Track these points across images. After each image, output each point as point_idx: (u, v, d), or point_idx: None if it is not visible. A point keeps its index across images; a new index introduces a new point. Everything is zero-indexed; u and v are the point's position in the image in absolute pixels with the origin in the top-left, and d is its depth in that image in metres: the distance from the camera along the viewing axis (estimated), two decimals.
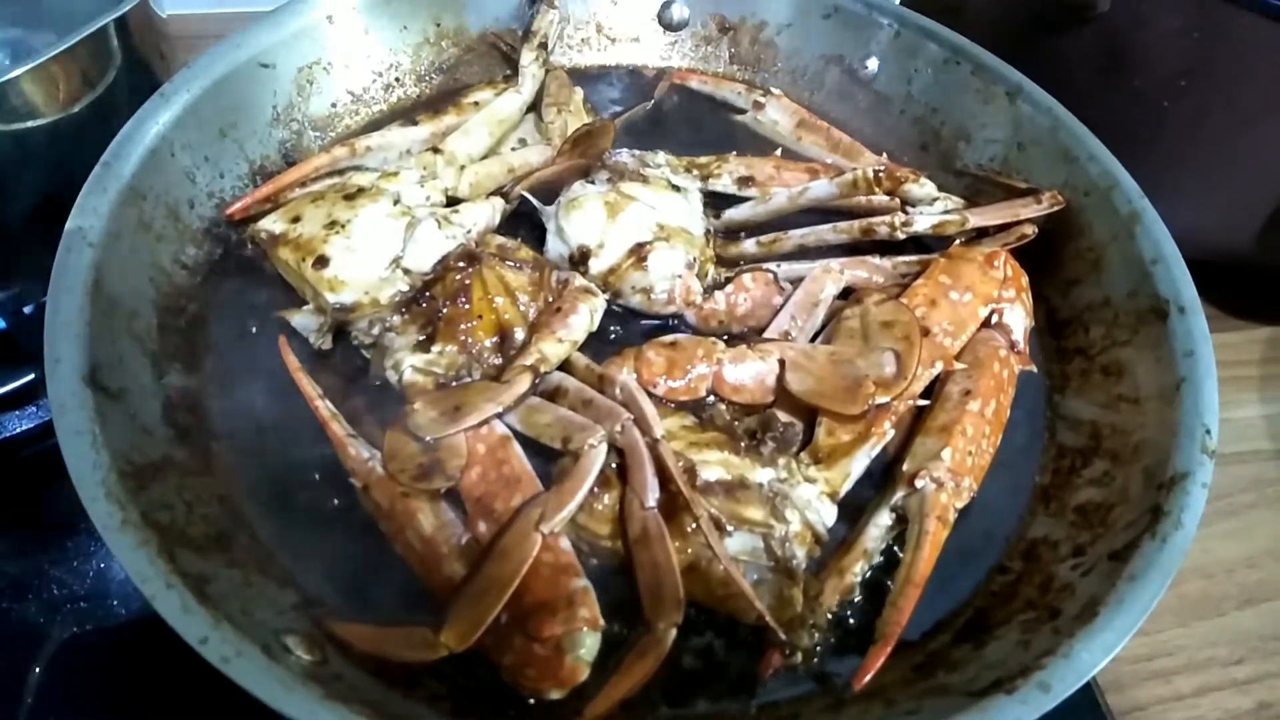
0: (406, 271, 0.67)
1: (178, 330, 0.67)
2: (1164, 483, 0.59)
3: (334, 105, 0.84)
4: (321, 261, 0.66)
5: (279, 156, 0.80)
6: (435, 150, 0.76)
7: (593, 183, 0.74)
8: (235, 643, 0.47)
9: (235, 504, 0.60)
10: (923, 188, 0.74)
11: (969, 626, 0.59)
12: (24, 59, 0.67)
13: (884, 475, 0.65)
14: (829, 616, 0.58)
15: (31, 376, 0.79)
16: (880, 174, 0.71)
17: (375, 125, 0.85)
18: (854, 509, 0.63)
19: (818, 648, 0.57)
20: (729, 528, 0.57)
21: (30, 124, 0.69)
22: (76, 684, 0.68)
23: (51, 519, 0.77)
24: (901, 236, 0.74)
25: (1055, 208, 0.77)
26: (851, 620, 0.59)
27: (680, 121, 0.91)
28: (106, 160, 0.67)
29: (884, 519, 0.62)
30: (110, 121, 0.70)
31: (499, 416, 0.61)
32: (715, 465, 0.59)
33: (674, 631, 0.51)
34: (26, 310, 0.77)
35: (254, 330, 0.69)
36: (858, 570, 0.60)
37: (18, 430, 0.79)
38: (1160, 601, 0.83)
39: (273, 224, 0.70)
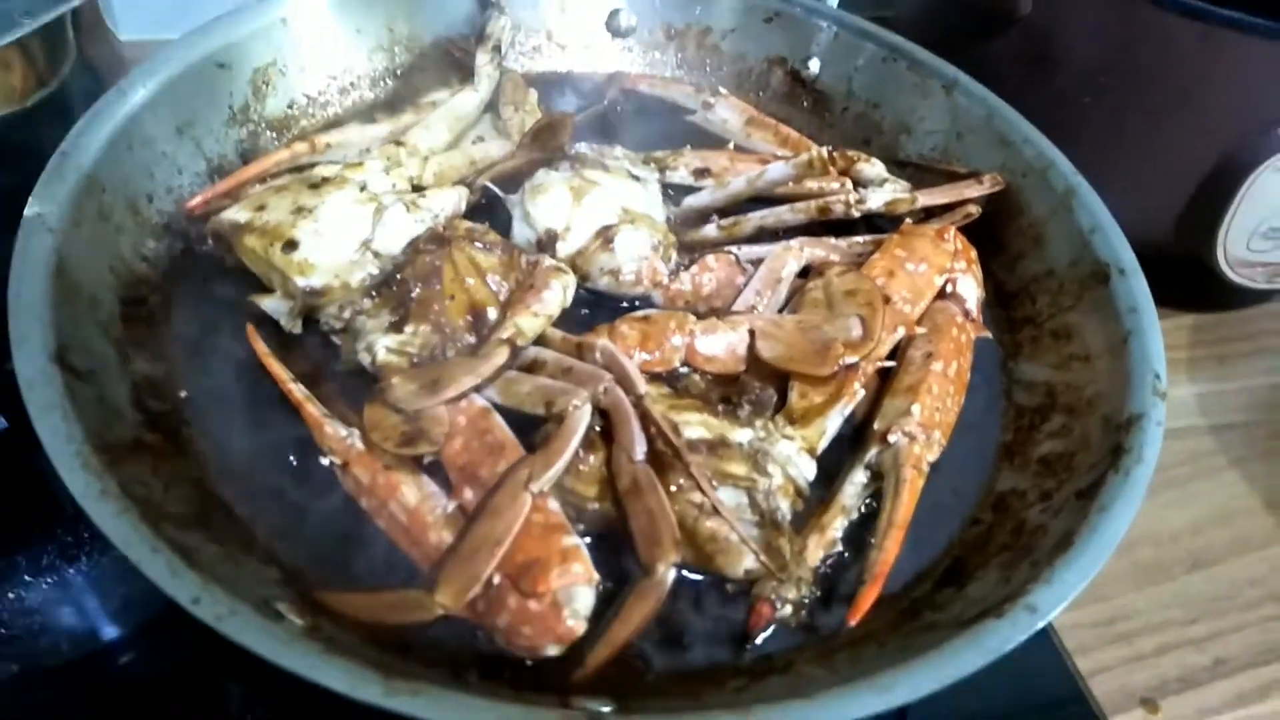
0: (376, 254, 0.67)
1: (141, 319, 0.66)
2: (1121, 424, 0.62)
3: (290, 107, 0.84)
4: (290, 245, 0.66)
5: (236, 155, 0.79)
6: (397, 143, 0.77)
7: (556, 170, 0.76)
8: (228, 602, 0.45)
9: (210, 486, 0.59)
10: (873, 167, 0.77)
11: (948, 573, 0.61)
12: None
13: (854, 439, 0.67)
14: (813, 571, 0.59)
15: None
16: (834, 154, 0.74)
17: (331, 127, 0.84)
18: (828, 476, 0.65)
19: (805, 600, 0.57)
20: (713, 484, 0.57)
21: None
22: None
23: None
24: (856, 214, 0.77)
25: (996, 188, 0.81)
26: (835, 575, 0.60)
27: (633, 123, 0.93)
28: (65, 150, 0.66)
29: (859, 476, 0.64)
30: (60, 121, 0.69)
31: (478, 389, 0.61)
32: (696, 425, 0.60)
33: (673, 572, 0.52)
34: None
35: (219, 320, 0.68)
36: (837, 526, 0.61)
37: None
38: (1115, 568, 0.86)
39: (237, 214, 0.69)
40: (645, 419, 0.57)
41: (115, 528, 0.47)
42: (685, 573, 0.58)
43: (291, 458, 0.61)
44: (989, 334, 0.74)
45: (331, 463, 0.60)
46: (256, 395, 0.64)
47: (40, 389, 0.52)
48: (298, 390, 0.63)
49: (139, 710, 0.66)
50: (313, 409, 0.61)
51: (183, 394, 0.64)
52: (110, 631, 0.70)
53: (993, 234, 0.82)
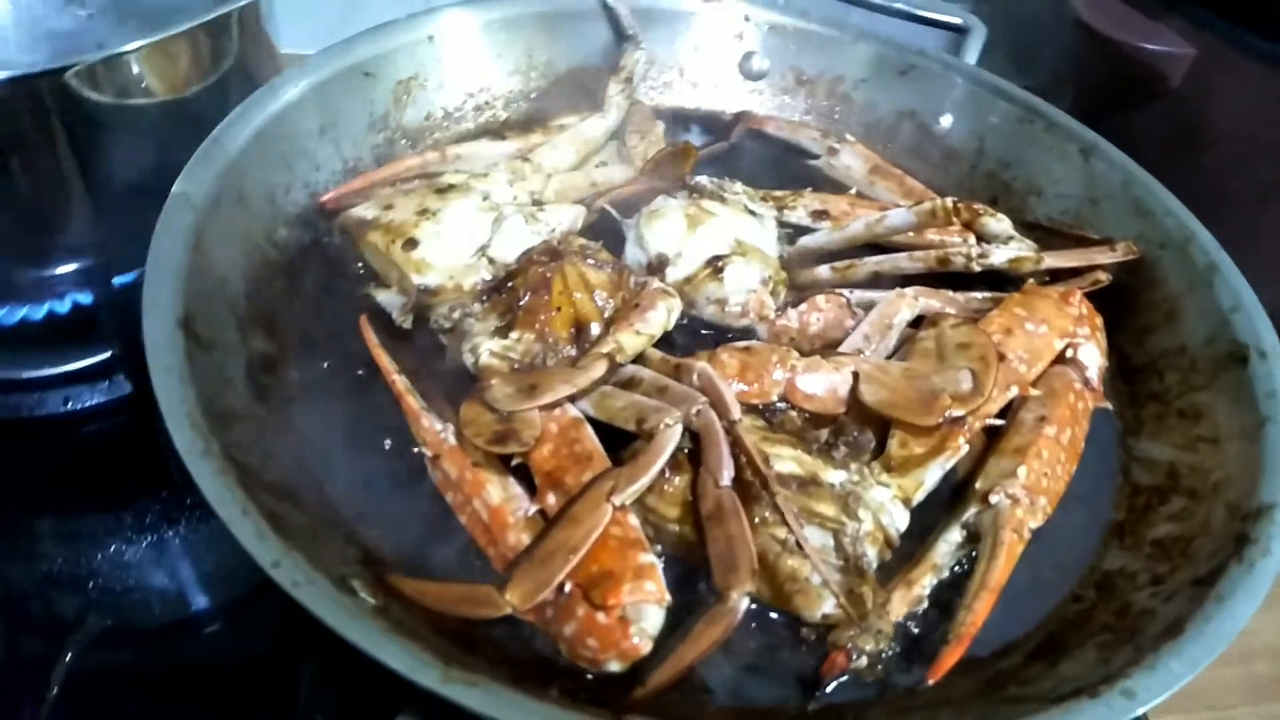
0: (491, 261, 0.69)
1: (265, 300, 0.69)
2: (1249, 514, 0.58)
3: (427, 118, 0.88)
4: (410, 244, 0.68)
5: (372, 159, 0.83)
6: (524, 159, 0.79)
7: (674, 197, 0.76)
8: (306, 570, 0.46)
9: (307, 463, 0.60)
10: (999, 223, 0.75)
11: (1041, 648, 0.57)
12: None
13: (953, 497, 0.64)
14: (894, 626, 0.56)
15: (108, 354, 0.81)
16: (959, 205, 0.72)
17: (463, 141, 0.87)
18: (922, 532, 0.62)
19: (883, 654, 0.55)
20: (800, 521, 0.56)
21: (141, 101, 0.73)
22: (104, 678, 0.68)
23: (105, 504, 0.78)
24: (977, 268, 0.74)
25: (1130, 257, 0.78)
26: (917, 631, 0.57)
27: (755, 162, 0.93)
28: (215, 137, 0.70)
29: (955, 535, 0.61)
30: (214, 113, 0.73)
31: (573, 399, 0.62)
32: (788, 460, 0.59)
33: (746, 600, 0.50)
34: (116, 282, 0.79)
35: (336, 310, 0.71)
36: (926, 583, 0.58)
37: (89, 404, 0.81)
38: (1230, 677, 0.80)
39: (365, 211, 0.72)
40: (736, 445, 0.56)
41: (211, 486, 0.49)
42: (765, 611, 0.56)
43: (387, 446, 0.63)
44: (1109, 405, 0.70)
45: (423, 454, 0.61)
46: (362, 384, 0.66)
47: (164, 351, 0.55)
48: (401, 382, 0.64)
49: (218, 680, 0.69)
50: (412, 401, 0.63)
51: (294, 374, 0.66)
52: (201, 601, 0.73)
53: (1122, 305, 0.78)
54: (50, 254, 0.82)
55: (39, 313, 0.82)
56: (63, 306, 0.82)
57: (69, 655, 0.68)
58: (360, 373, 0.66)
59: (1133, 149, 0.89)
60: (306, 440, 0.62)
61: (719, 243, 0.73)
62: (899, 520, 0.59)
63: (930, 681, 0.51)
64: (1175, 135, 0.98)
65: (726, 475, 0.54)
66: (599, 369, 0.62)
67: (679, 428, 0.57)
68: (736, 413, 0.57)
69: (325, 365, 0.67)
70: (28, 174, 0.76)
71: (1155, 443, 0.70)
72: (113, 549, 0.75)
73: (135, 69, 0.72)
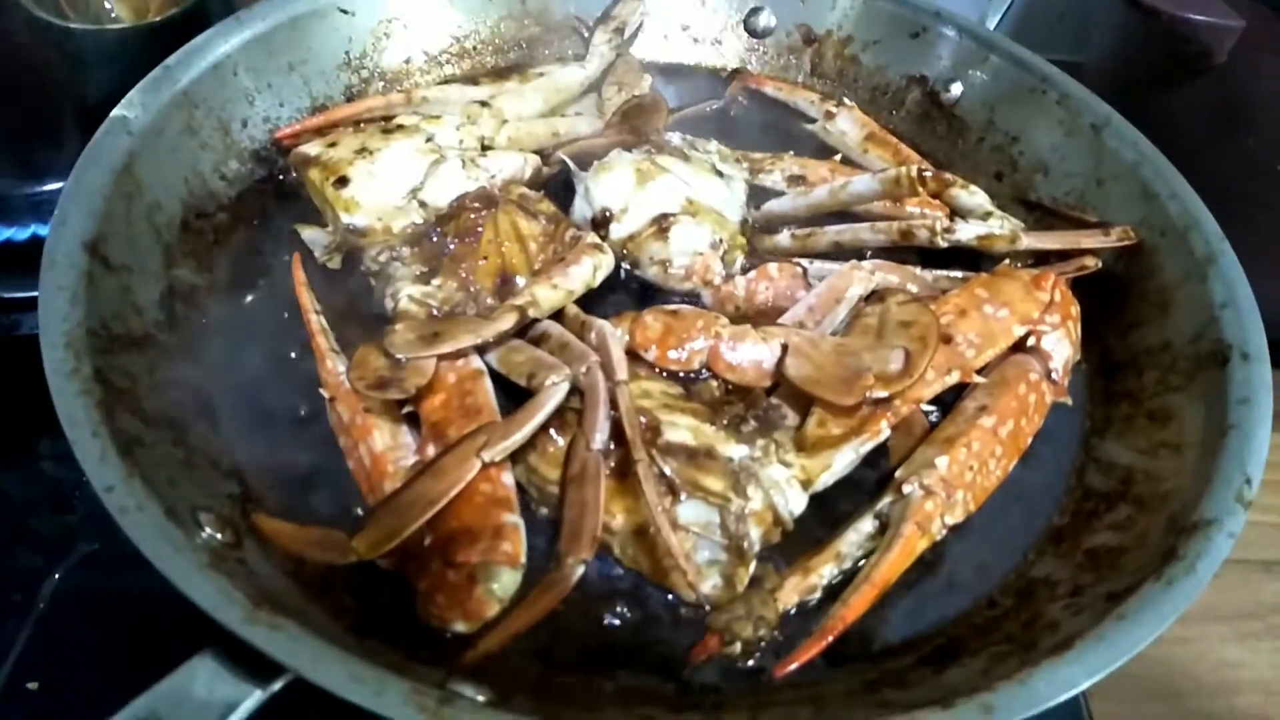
0: (423, 204, 0.67)
1: (200, 232, 0.68)
2: (1185, 528, 0.52)
3: (407, 61, 0.86)
4: (342, 181, 0.67)
5: (342, 99, 0.81)
6: (484, 104, 0.76)
7: (630, 151, 0.73)
8: (139, 497, 0.46)
9: (206, 395, 0.60)
10: (973, 196, 0.69)
11: (937, 652, 0.53)
12: None
13: (878, 486, 0.60)
14: (781, 613, 0.53)
15: None
16: (926, 174, 0.67)
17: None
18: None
19: (761, 642, 0.52)
20: (682, 494, 0.53)
21: (109, 27, 0.73)
22: (89, 599, 0.69)
23: None
24: (943, 243, 0.69)
25: (1123, 243, 0.71)
26: (805, 622, 0.54)
27: (747, 124, 0.89)
28: (168, 64, 0.70)
29: (866, 525, 0.57)
30: (180, 41, 0.73)
31: (477, 350, 0.60)
32: (684, 429, 0.55)
33: (582, 568, 0.47)
34: None
35: (276, 248, 0.70)
36: (824, 572, 0.55)
37: None
38: (1214, 708, 0.73)
39: (311, 147, 0.71)
40: (613, 407, 0.53)
41: (67, 405, 0.48)
42: (645, 584, 0.54)
43: (298, 389, 0.62)
44: (1068, 400, 0.64)
45: (323, 395, 0.60)
46: (284, 324, 0.65)
47: (60, 269, 0.55)
48: (316, 321, 0.63)
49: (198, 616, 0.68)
50: (321, 341, 0.62)
51: (215, 307, 0.66)
52: None
53: (1115, 295, 0.72)
54: (38, 176, 0.84)
55: (24, 234, 0.84)
56: (46, 230, 0.84)
57: (56, 575, 0.70)
58: (285, 314, 0.65)
59: (1174, 127, 0.81)
60: (211, 373, 0.61)
61: (668, 200, 0.69)
62: (794, 502, 0.55)
63: (776, 674, 0.48)
64: (1220, 113, 0.89)
65: (599, 439, 0.52)
66: (507, 321, 0.59)
67: (564, 386, 0.54)
68: (622, 374, 0.54)
69: (249, 301, 0.67)
70: (17, 94, 0.78)
71: (1119, 445, 0.64)
72: None
73: None
